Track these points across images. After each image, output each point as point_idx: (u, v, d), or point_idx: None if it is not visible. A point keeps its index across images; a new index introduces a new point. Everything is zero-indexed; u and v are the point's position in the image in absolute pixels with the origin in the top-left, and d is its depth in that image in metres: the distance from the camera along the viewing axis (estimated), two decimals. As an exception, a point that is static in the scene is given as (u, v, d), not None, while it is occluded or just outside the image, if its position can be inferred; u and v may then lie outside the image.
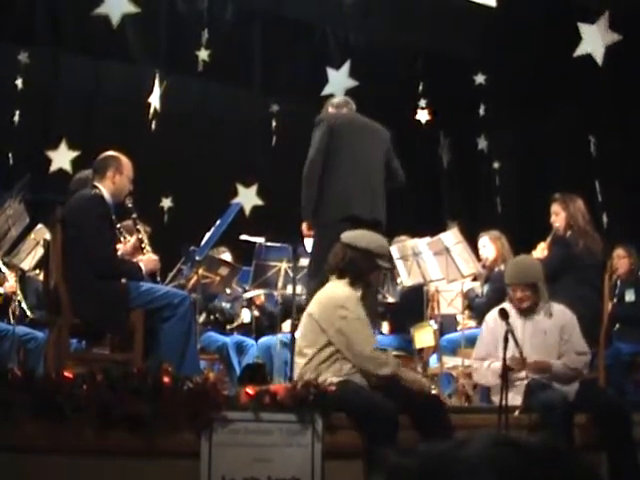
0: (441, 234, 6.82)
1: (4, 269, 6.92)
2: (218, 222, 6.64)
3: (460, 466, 0.93)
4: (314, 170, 5.76)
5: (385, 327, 7.71)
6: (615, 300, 7.18)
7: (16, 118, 9.06)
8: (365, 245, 4.79)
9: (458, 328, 6.98)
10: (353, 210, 5.69)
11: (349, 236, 4.89)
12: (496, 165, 10.56)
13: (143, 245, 5.39)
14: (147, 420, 4.05)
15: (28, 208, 6.63)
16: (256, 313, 8.01)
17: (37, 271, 6.96)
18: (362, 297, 4.81)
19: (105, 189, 5.20)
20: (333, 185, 5.74)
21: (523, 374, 5.05)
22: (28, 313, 6.92)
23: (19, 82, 9.07)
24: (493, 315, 5.31)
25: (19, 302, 6.91)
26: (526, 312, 5.23)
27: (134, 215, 5.46)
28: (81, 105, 9.74)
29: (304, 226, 5.87)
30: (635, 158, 8.64)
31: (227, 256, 7.70)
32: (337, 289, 4.80)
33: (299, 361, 4.78)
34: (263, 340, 7.59)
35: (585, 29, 8.09)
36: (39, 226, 6.79)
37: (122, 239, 5.49)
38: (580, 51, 8.14)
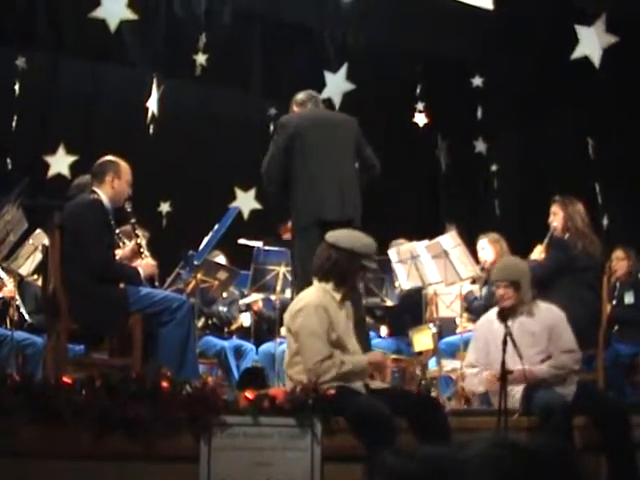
0: (439, 237, 6.83)
1: (3, 274, 6.92)
2: (216, 226, 6.64)
3: (460, 468, 0.93)
4: (274, 177, 5.71)
5: (384, 330, 7.72)
6: (614, 302, 7.18)
7: (14, 123, 9.05)
8: (349, 245, 4.69)
9: (457, 331, 6.99)
10: (322, 214, 5.57)
11: (333, 236, 4.79)
12: (494, 168, 10.55)
13: (141, 250, 5.39)
14: (146, 424, 4.05)
15: (26, 213, 6.62)
16: (254, 318, 8.01)
17: (35, 276, 6.95)
18: (343, 299, 4.75)
19: (104, 194, 5.20)
20: (301, 190, 5.65)
21: (547, 376, 5.05)
22: (27, 318, 6.91)
23: (17, 87, 9.07)
24: (484, 320, 5.31)
25: (18, 307, 6.90)
26: (509, 313, 5.16)
27: (133, 220, 5.46)
28: (79, 110, 9.73)
29: (280, 230, 5.89)
30: (634, 160, 8.64)
31: (221, 259, 7.69)
32: (304, 295, 4.77)
33: (290, 372, 4.74)
34: (264, 347, 7.59)
35: (582, 31, 8.10)
36: (37, 231, 6.78)
37: (121, 244, 5.50)
38: (577, 54, 8.15)
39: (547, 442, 0.99)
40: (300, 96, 6.09)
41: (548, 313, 5.26)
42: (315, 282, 4.78)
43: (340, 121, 6.00)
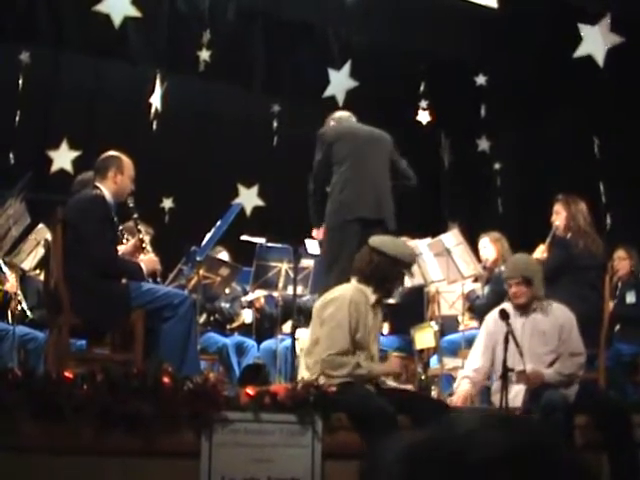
0: (442, 235, 6.83)
1: (5, 269, 6.92)
2: (219, 222, 6.64)
3: (449, 447, 0.94)
4: (317, 183, 6.05)
5: (385, 328, 7.71)
6: (616, 301, 7.17)
7: (17, 118, 9.05)
8: (393, 252, 4.77)
9: (459, 329, 6.98)
10: (359, 212, 5.81)
11: (377, 241, 4.87)
12: (497, 166, 10.55)
13: (144, 245, 5.39)
14: (147, 420, 4.05)
15: (29, 208, 6.62)
16: (256, 314, 8.00)
17: (37, 271, 6.95)
18: (377, 302, 4.80)
19: (106, 189, 5.20)
20: (340, 191, 5.88)
21: (553, 381, 5.05)
22: (28, 313, 6.91)
23: (20, 82, 9.07)
24: (491, 318, 5.32)
25: (20, 302, 6.90)
26: (524, 310, 5.21)
27: (135, 215, 5.46)
28: (82, 105, 9.73)
29: (314, 232, 6.20)
30: (636, 160, 8.63)
31: (224, 255, 7.69)
32: (340, 288, 4.81)
33: (307, 360, 4.76)
34: (265, 344, 7.59)
35: (586, 30, 8.08)
36: (40, 226, 6.78)
37: (124, 241, 5.50)
38: (580, 52, 8.13)
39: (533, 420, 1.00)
40: (338, 114, 6.48)
41: (560, 312, 5.27)
42: (353, 281, 4.83)
43: (376, 136, 6.22)
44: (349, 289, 4.77)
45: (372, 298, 4.76)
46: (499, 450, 0.92)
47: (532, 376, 4.94)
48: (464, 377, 5.31)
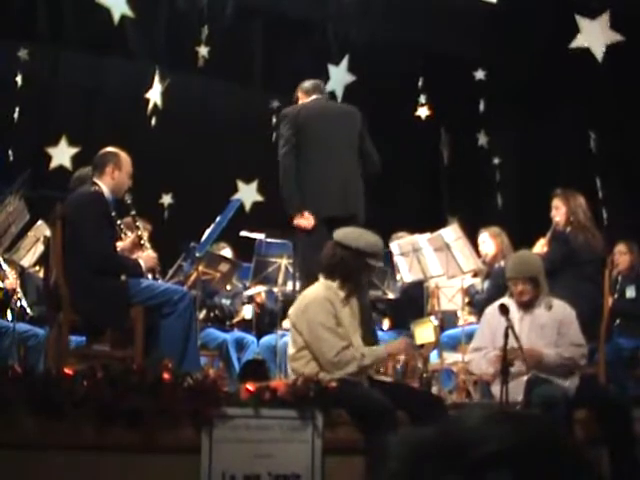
0: (441, 230, 6.82)
1: (4, 266, 6.92)
2: (218, 218, 6.64)
3: (455, 442, 0.94)
4: (289, 160, 5.68)
5: (385, 323, 7.71)
6: (616, 296, 7.17)
7: (16, 115, 9.05)
8: (355, 244, 4.71)
9: (459, 324, 6.99)
10: (326, 211, 5.62)
11: (340, 234, 4.82)
12: (496, 161, 10.54)
13: (142, 242, 5.39)
14: (147, 416, 4.05)
15: (28, 205, 6.62)
16: (256, 310, 8.00)
17: (37, 268, 6.95)
18: (347, 297, 4.76)
19: (104, 185, 5.20)
20: (305, 187, 5.67)
21: (524, 369, 5.03)
22: (28, 310, 6.91)
23: (19, 79, 9.07)
24: (492, 309, 5.31)
25: (19, 299, 6.90)
26: (526, 306, 5.22)
27: (133, 212, 5.46)
28: (81, 101, 9.73)
29: (299, 220, 5.71)
30: (635, 154, 8.63)
31: (227, 252, 7.69)
32: (309, 291, 4.79)
33: (294, 365, 4.75)
34: (265, 340, 7.59)
35: (584, 23, 8.06)
36: (39, 223, 6.78)
37: (122, 235, 5.49)
38: (577, 43, 8.09)
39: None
40: (306, 84, 6.12)
41: (559, 308, 5.26)
42: (321, 278, 4.81)
43: (345, 112, 6.00)
44: (317, 290, 4.75)
45: (341, 294, 4.72)
46: (504, 443, 0.92)
47: (529, 352, 4.90)
48: (474, 351, 5.29)
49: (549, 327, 5.18)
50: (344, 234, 4.81)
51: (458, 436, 0.96)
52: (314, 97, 6.04)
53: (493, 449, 0.92)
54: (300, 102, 6.07)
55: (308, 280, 5.20)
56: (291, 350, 4.80)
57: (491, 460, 0.91)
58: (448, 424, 0.99)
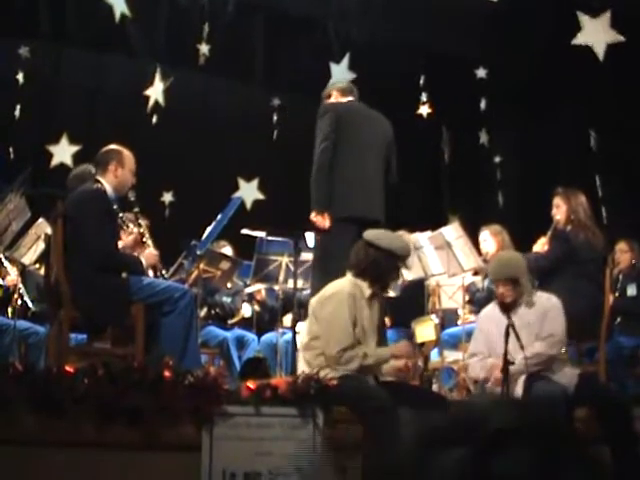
0: (442, 228, 6.82)
1: (6, 263, 6.92)
2: (219, 216, 6.64)
3: (466, 426, 0.96)
4: (326, 158, 5.63)
5: (386, 321, 7.71)
6: (617, 294, 7.17)
7: (17, 112, 9.05)
8: (389, 246, 4.76)
9: (459, 322, 6.99)
10: (353, 211, 5.65)
11: (372, 235, 4.85)
12: (497, 159, 10.55)
13: (144, 239, 5.39)
14: (148, 414, 4.06)
15: (29, 202, 6.62)
16: (257, 308, 8.00)
17: (38, 265, 6.95)
18: (372, 297, 4.79)
19: (107, 183, 5.20)
20: (336, 183, 5.66)
21: (523, 368, 5.03)
22: (30, 306, 6.91)
23: (20, 76, 9.07)
24: (484, 313, 5.30)
25: (21, 296, 6.90)
26: (508, 309, 5.14)
27: (136, 209, 5.46)
28: (82, 99, 9.73)
29: (317, 217, 5.61)
30: (636, 154, 8.63)
31: (228, 250, 7.70)
32: (336, 283, 4.81)
33: (306, 355, 4.77)
34: (265, 337, 7.59)
35: (586, 21, 8.06)
36: (40, 220, 6.78)
37: (125, 228, 5.49)
38: (579, 40, 8.09)
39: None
40: (342, 85, 6.19)
41: (545, 302, 5.22)
42: (348, 275, 4.83)
43: (379, 120, 6.01)
44: (345, 284, 4.77)
45: (367, 292, 4.76)
46: (514, 424, 0.96)
47: (494, 379, 4.90)
48: (471, 356, 5.29)
49: (536, 323, 5.13)
50: (376, 235, 4.85)
51: (468, 415, 0.99)
52: (350, 99, 6.04)
53: (502, 425, 0.95)
54: (335, 101, 6.01)
55: (325, 277, 5.22)
56: (305, 338, 4.82)
57: (503, 437, 0.94)
58: (460, 411, 1.02)
